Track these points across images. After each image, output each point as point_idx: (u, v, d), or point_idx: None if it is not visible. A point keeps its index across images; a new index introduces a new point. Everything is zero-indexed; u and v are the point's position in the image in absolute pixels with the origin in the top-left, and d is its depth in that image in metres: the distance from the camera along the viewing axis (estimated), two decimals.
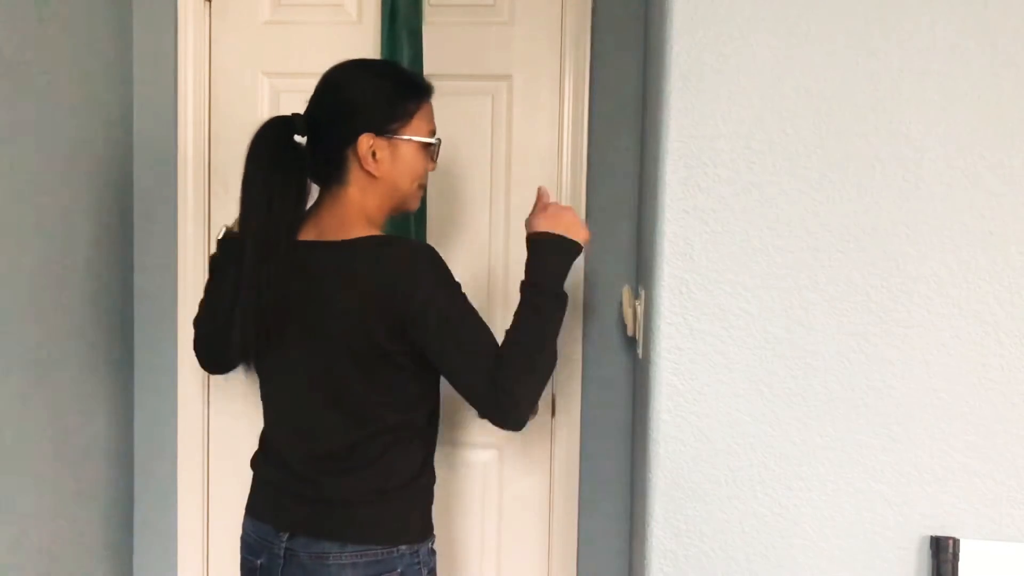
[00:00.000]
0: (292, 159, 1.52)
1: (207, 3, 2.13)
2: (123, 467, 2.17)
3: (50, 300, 1.83)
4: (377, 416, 1.49)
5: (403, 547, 1.51)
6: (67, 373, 1.90)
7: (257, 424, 2.35)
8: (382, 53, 2.02)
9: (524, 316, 1.48)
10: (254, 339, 1.50)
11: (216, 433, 2.21)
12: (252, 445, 2.32)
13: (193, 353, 1.73)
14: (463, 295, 1.48)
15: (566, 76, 2.07)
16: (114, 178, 2.08)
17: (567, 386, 2.12)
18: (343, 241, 1.48)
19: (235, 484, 2.21)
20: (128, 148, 2.14)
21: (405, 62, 2.01)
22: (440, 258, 1.49)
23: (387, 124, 1.51)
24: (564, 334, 2.10)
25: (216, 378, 2.19)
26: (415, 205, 1.60)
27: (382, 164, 1.51)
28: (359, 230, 1.49)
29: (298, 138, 1.53)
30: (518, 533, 2.18)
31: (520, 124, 2.10)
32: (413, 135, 1.53)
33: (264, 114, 2.13)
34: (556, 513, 2.15)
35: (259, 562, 1.56)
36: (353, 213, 1.52)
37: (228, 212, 2.16)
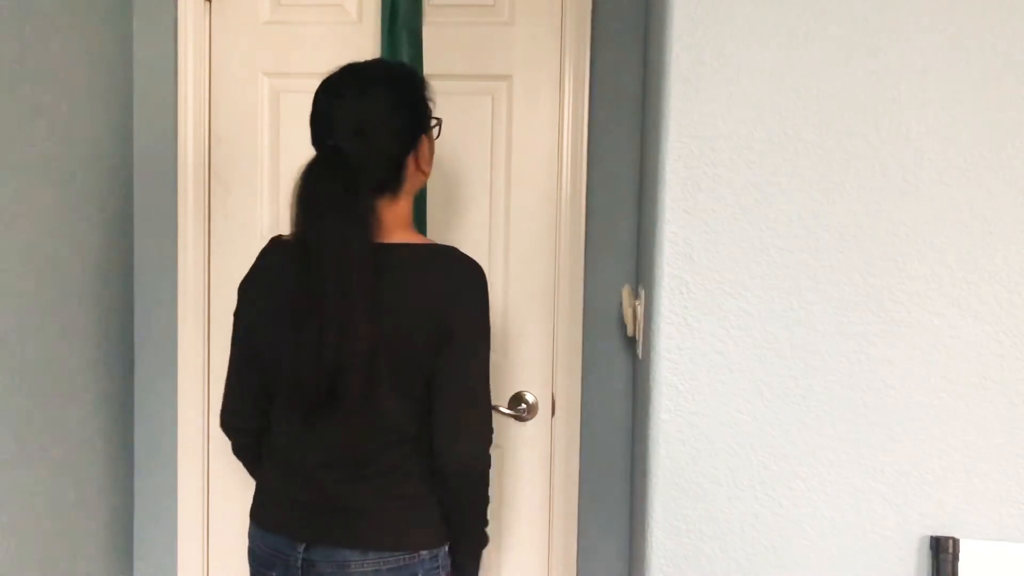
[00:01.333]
0: (354, 193, 1.42)
1: (207, 3, 2.13)
2: (123, 467, 2.17)
3: (50, 300, 1.83)
4: (399, 425, 1.48)
5: (424, 552, 1.51)
6: (67, 373, 1.90)
7: None
8: (382, 53, 2.02)
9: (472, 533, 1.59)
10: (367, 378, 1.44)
11: (216, 433, 2.21)
12: None
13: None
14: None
15: (566, 76, 2.07)
16: (114, 178, 2.08)
17: (567, 386, 2.12)
18: (399, 245, 1.47)
19: (235, 484, 2.21)
20: (128, 148, 2.14)
21: (405, 62, 2.01)
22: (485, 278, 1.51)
23: (426, 121, 1.53)
24: (565, 334, 2.11)
25: (216, 378, 2.19)
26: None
27: (430, 159, 1.55)
28: (410, 235, 1.51)
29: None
30: (518, 533, 2.18)
31: (520, 124, 2.10)
32: (432, 124, 1.56)
33: (264, 114, 2.14)
34: (556, 513, 2.15)
35: (273, 574, 1.54)
36: (403, 217, 1.51)
37: (228, 212, 2.16)
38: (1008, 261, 1.26)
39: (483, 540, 1.61)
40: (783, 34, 1.27)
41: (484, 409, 1.49)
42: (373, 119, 1.44)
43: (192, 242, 2.15)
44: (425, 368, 1.45)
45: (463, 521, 1.55)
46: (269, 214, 2.15)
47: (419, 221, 2.05)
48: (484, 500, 1.55)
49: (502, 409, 2.14)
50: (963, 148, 1.25)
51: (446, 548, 1.57)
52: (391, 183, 1.48)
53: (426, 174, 1.54)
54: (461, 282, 1.47)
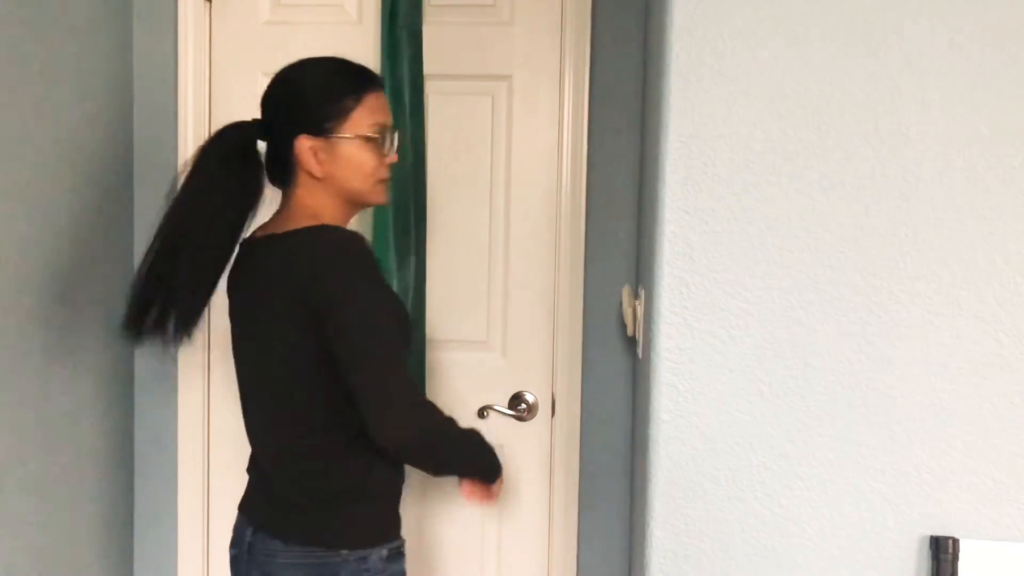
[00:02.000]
0: (248, 166, 1.55)
1: (207, 3, 2.13)
2: (123, 467, 2.17)
3: (50, 300, 1.83)
4: (309, 415, 1.48)
5: (345, 552, 1.48)
6: (67, 373, 1.90)
7: None
8: (382, 53, 2.02)
9: (470, 439, 1.54)
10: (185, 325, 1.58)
11: (216, 433, 2.21)
12: None
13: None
14: (386, 295, 1.46)
15: (566, 76, 2.07)
16: (114, 178, 2.08)
17: (567, 386, 2.12)
18: (275, 235, 1.50)
19: (235, 484, 2.21)
20: (128, 148, 2.14)
21: (405, 62, 2.01)
22: (365, 249, 1.45)
23: (325, 124, 1.49)
24: (565, 334, 2.11)
25: (216, 377, 2.19)
26: (377, 199, 1.56)
27: (324, 165, 1.49)
28: (302, 225, 1.49)
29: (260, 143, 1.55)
30: (518, 533, 2.18)
31: (520, 124, 2.10)
32: (353, 131, 1.49)
33: None
34: (556, 513, 2.15)
35: (234, 552, 1.60)
36: (299, 211, 1.51)
37: None
38: (1008, 261, 1.26)
39: (482, 471, 1.59)
40: (783, 34, 1.27)
41: (386, 374, 1.40)
42: (267, 98, 1.56)
43: None
44: (309, 348, 1.43)
45: (453, 473, 1.57)
46: (269, 214, 2.15)
47: (419, 220, 2.05)
48: (448, 456, 1.51)
49: (502, 409, 2.14)
50: (963, 148, 1.25)
51: (383, 551, 1.52)
52: (278, 167, 1.55)
53: (320, 177, 1.49)
54: (319, 259, 1.43)
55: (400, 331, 1.47)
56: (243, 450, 2.28)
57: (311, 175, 1.50)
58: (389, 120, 1.55)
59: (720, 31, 1.28)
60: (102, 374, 2.05)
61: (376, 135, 1.51)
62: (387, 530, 1.55)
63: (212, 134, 1.56)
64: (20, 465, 1.75)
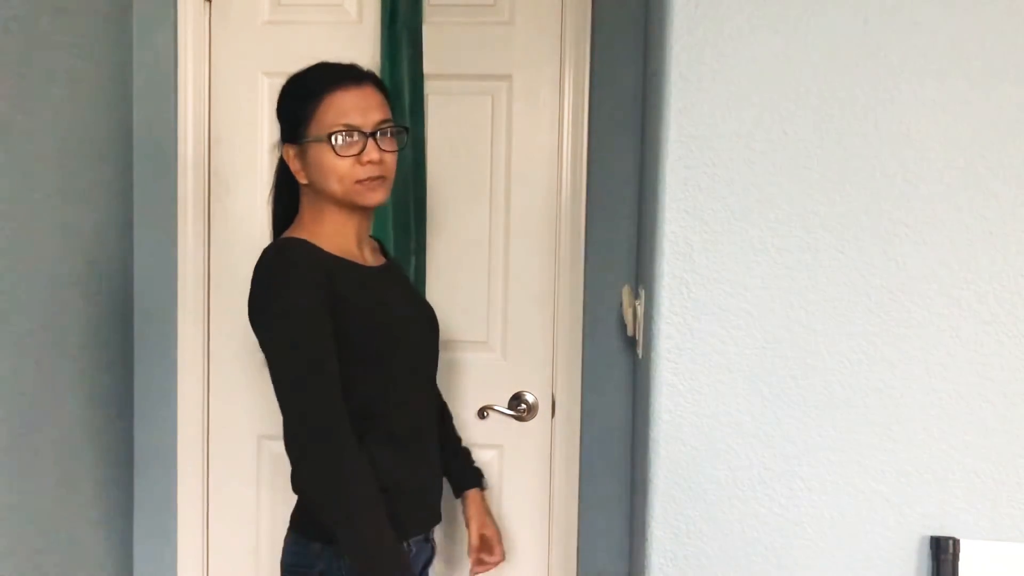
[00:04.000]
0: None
1: (207, 3, 2.13)
2: (123, 467, 2.17)
3: (50, 300, 1.83)
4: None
5: (317, 545, 1.49)
6: (66, 373, 1.90)
7: (256, 423, 2.35)
8: (382, 53, 2.02)
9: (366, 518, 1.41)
10: None
11: (216, 433, 2.21)
12: (252, 444, 2.32)
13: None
14: (303, 313, 1.43)
15: (566, 76, 2.07)
16: (114, 178, 2.08)
17: (567, 386, 2.12)
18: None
19: (235, 483, 2.21)
20: (128, 148, 2.14)
21: (405, 62, 2.01)
22: (290, 267, 1.45)
23: (296, 129, 1.53)
24: (565, 334, 2.11)
25: (216, 377, 2.19)
26: (365, 201, 1.52)
27: (304, 171, 1.53)
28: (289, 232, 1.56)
29: None
30: (518, 533, 2.18)
31: (520, 124, 2.10)
32: (315, 134, 1.49)
33: (264, 114, 2.14)
34: (556, 513, 2.15)
35: None
36: (299, 223, 1.57)
37: (228, 212, 2.17)
38: (1008, 261, 1.26)
39: (345, 544, 1.40)
40: (783, 34, 1.27)
41: (289, 402, 1.41)
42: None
43: (192, 242, 2.15)
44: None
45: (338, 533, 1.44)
46: (269, 214, 2.15)
47: (419, 221, 2.05)
48: (326, 503, 1.40)
49: (502, 409, 2.14)
50: (963, 148, 1.25)
51: None
52: (276, 185, 1.63)
53: (305, 183, 1.53)
54: (256, 273, 1.49)
55: (310, 349, 1.43)
56: (242, 449, 2.28)
57: (303, 182, 1.55)
58: (373, 118, 1.50)
59: (720, 31, 1.28)
60: (101, 374, 2.05)
61: (343, 134, 1.48)
62: None
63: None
64: (18, 466, 1.75)
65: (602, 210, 2.08)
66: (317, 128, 1.49)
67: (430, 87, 2.08)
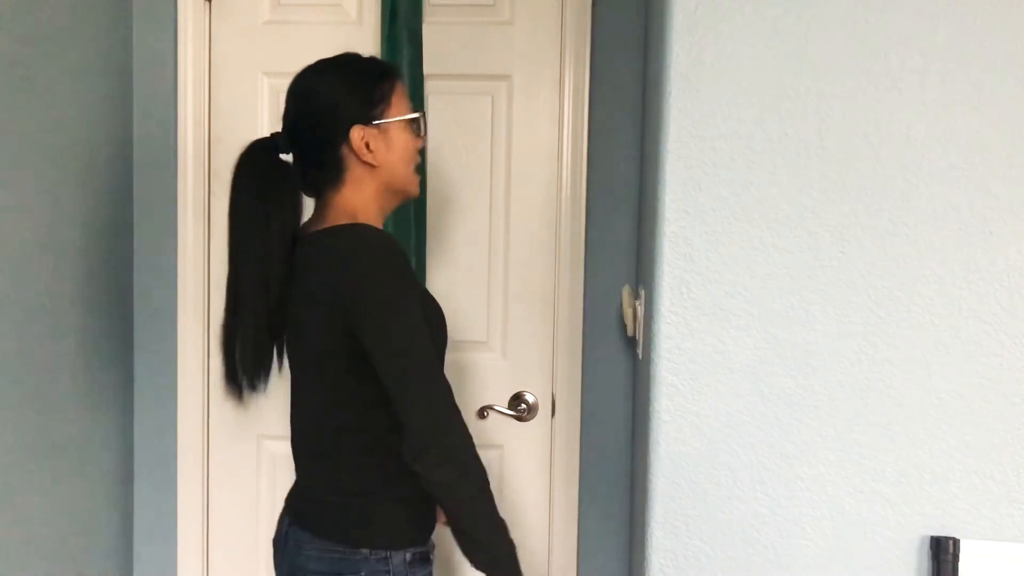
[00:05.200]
0: (281, 179, 1.51)
1: (207, 3, 2.13)
2: (123, 468, 2.17)
3: (50, 300, 1.83)
4: (333, 415, 1.48)
5: (365, 551, 1.47)
6: (67, 374, 1.90)
7: (256, 423, 2.35)
8: (382, 53, 2.02)
9: (484, 511, 1.43)
10: (252, 366, 1.52)
11: (216, 433, 2.21)
12: (252, 444, 2.32)
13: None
14: (415, 304, 1.41)
15: (566, 76, 2.07)
16: (114, 178, 2.08)
17: (567, 386, 2.12)
18: (318, 231, 1.48)
19: (235, 484, 2.21)
20: (128, 148, 2.14)
21: (405, 62, 2.01)
22: (397, 254, 1.42)
23: (371, 111, 1.50)
24: (565, 334, 2.11)
25: (216, 377, 2.19)
26: (416, 190, 1.57)
27: (378, 152, 1.49)
28: (340, 222, 1.47)
29: (284, 156, 1.53)
30: (518, 533, 2.17)
31: (520, 124, 2.10)
32: (398, 115, 1.52)
33: (264, 114, 2.14)
34: (556, 513, 2.15)
35: (273, 540, 1.63)
36: (346, 211, 1.49)
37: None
38: (1008, 261, 1.26)
39: (490, 558, 1.43)
40: (783, 34, 1.27)
41: (423, 387, 1.38)
42: (295, 111, 1.52)
43: (192, 242, 2.15)
44: (333, 350, 1.43)
45: (455, 528, 1.44)
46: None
47: (419, 221, 2.05)
48: (462, 504, 1.41)
49: (502, 409, 2.14)
50: (963, 148, 1.25)
51: (406, 555, 1.49)
52: (323, 173, 1.51)
53: (374, 166, 1.50)
54: (353, 258, 1.41)
55: (433, 335, 1.44)
56: (243, 450, 2.28)
57: (368, 166, 1.49)
58: (413, 105, 1.59)
59: (720, 31, 1.28)
60: (101, 374, 2.05)
61: (417, 115, 1.55)
62: (413, 533, 1.52)
63: (238, 157, 1.54)
64: (17, 467, 1.75)
65: (602, 210, 2.08)
66: (397, 109, 1.52)
67: (430, 87, 2.08)
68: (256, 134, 2.14)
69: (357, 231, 1.44)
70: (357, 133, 1.48)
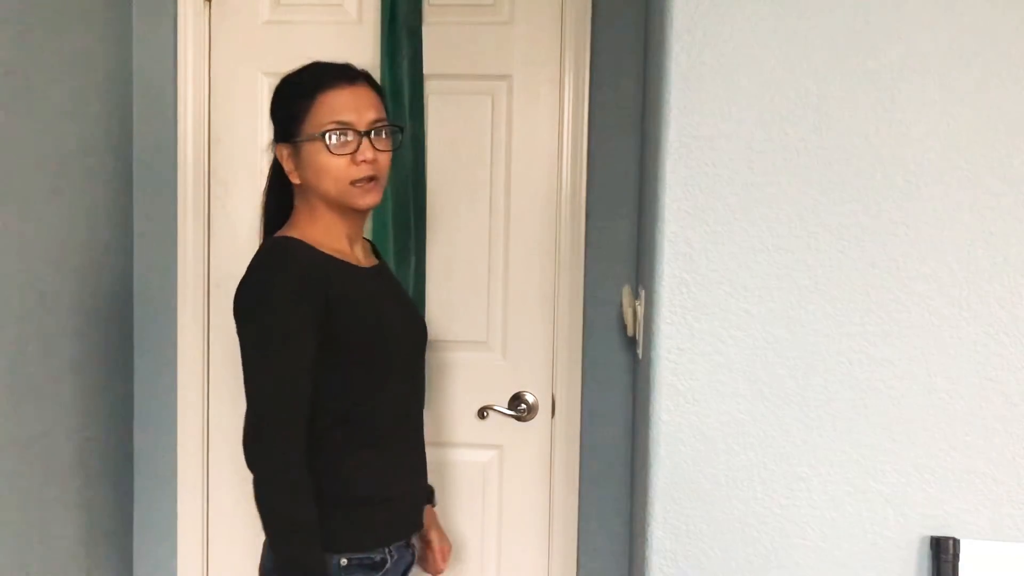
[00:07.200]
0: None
1: (207, 3, 2.13)
2: (123, 468, 2.17)
3: (50, 300, 1.83)
4: None
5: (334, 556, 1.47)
6: (66, 374, 1.90)
7: None
8: (382, 53, 2.02)
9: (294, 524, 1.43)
10: None
11: (216, 433, 2.21)
12: None
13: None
14: (283, 319, 1.44)
15: (566, 76, 2.07)
16: (114, 178, 2.08)
17: (567, 386, 2.12)
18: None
19: (235, 483, 2.21)
20: (128, 148, 2.14)
21: (405, 62, 2.01)
22: (283, 271, 1.45)
23: (288, 128, 1.51)
24: (565, 334, 2.11)
25: (216, 377, 2.19)
26: (360, 202, 1.51)
27: (298, 170, 1.51)
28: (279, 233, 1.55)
29: None
30: (518, 533, 2.18)
31: (520, 124, 2.10)
32: (308, 133, 1.48)
33: (264, 114, 2.13)
34: (556, 513, 2.15)
35: None
36: (290, 223, 1.55)
37: (228, 212, 2.16)
38: (1008, 261, 1.26)
39: (278, 556, 1.44)
40: (783, 34, 1.27)
41: (252, 403, 1.44)
42: None
43: (192, 242, 2.15)
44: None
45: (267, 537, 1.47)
46: (260, 215, 2.15)
47: (418, 221, 2.05)
48: (263, 513, 1.43)
49: (502, 409, 2.14)
50: (963, 148, 1.25)
51: (343, 559, 1.47)
52: (268, 186, 1.62)
53: (298, 183, 1.52)
54: (248, 271, 1.49)
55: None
56: (243, 450, 2.26)
57: (296, 182, 1.53)
58: (367, 116, 1.49)
59: (720, 31, 1.28)
60: (101, 374, 2.05)
61: (337, 132, 1.47)
62: (353, 538, 1.49)
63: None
64: (16, 467, 1.75)
65: (602, 210, 2.08)
66: (311, 127, 1.48)
67: (430, 87, 2.08)
68: (256, 134, 2.14)
69: (270, 244, 1.51)
70: (280, 152, 1.53)
